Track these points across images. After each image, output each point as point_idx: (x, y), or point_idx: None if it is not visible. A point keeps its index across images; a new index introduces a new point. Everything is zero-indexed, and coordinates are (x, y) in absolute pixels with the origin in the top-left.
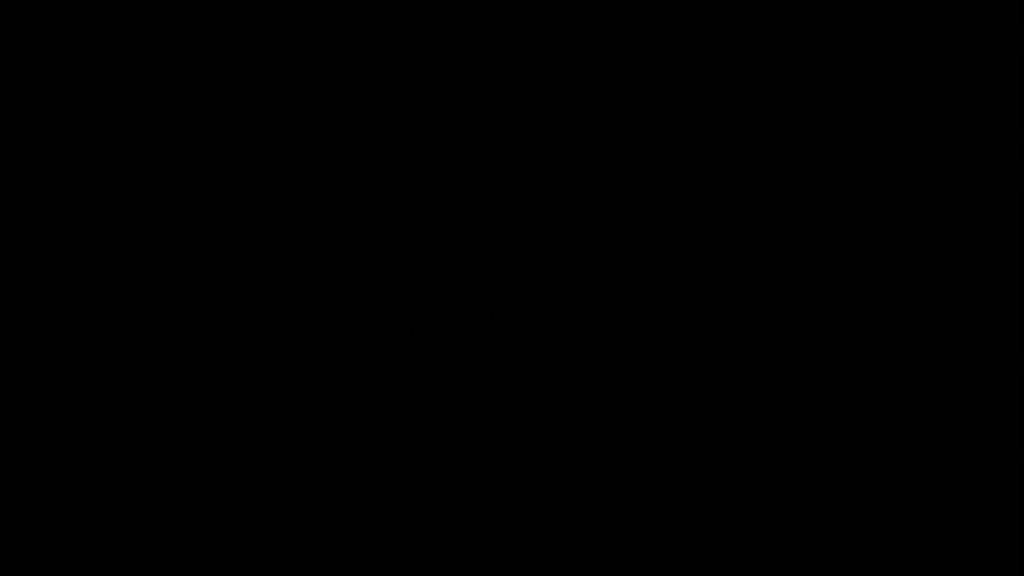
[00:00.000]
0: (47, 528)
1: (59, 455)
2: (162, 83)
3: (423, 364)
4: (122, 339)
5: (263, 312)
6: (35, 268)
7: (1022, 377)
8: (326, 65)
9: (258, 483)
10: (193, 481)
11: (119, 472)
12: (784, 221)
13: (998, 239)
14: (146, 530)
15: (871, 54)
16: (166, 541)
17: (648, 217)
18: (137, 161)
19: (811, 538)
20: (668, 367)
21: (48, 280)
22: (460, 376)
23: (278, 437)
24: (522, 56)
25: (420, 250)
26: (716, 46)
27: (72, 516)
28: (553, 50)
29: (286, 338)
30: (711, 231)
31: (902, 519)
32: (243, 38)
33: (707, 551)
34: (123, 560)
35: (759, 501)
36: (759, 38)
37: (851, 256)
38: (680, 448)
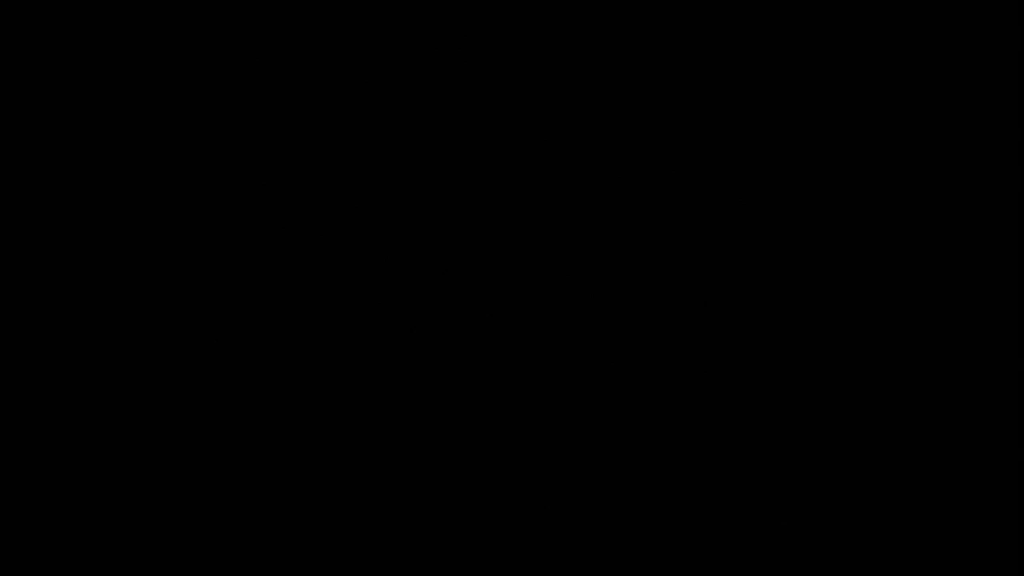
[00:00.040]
0: (47, 528)
1: (59, 455)
2: (162, 83)
3: (423, 364)
4: (122, 339)
5: (263, 312)
6: (35, 268)
7: (1022, 377)
8: (326, 65)
9: (258, 483)
10: (193, 481)
11: (119, 472)
12: (784, 221)
13: (998, 239)
14: (146, 530)
15: (871, 54)
16: (166, 541)
17: (648, 217)
18: (137, 161)
19: (811, 538)
20: (668, 367)
21: (48, 280)
22: (460, 376)
23: (278, 437)
24: (522, 56)
25: (420, 250)
26: (716, 46)
27: (72, 516)
28: (553, 50)
29: (286, 338)
30: (711, 231)
31: (902, 519)
32: (243, 38)
33: (707, 551)
34: (123, 560)
35: (759, 501)
36: (759, 38)
37: (851, 256)
38: (680, 448)
